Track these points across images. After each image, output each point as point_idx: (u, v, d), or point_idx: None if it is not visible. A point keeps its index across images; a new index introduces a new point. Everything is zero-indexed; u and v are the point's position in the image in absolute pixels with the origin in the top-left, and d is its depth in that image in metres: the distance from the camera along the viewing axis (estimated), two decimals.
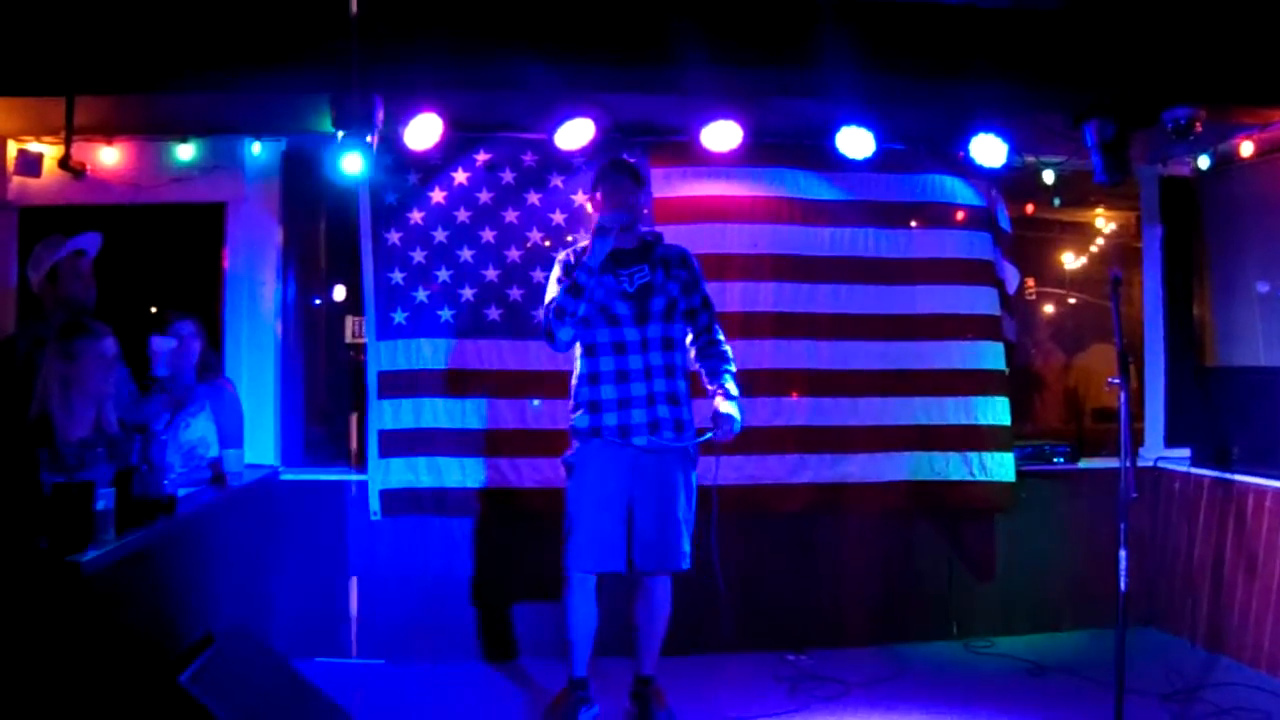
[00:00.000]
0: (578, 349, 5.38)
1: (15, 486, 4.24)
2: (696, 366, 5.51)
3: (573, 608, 5.31)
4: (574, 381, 5.43)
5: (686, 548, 5.33)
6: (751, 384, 6.51)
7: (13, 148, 6.44)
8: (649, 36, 5.48)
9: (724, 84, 5.90)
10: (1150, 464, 7.17)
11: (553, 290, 5.32)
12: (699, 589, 5.46)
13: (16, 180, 6.47)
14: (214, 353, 6.08)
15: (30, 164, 6.36)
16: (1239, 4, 5.75)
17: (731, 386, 5.36)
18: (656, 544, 5.30)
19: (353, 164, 5.88)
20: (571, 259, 5.37)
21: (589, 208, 6.32)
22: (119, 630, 4.06)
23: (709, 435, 5.29)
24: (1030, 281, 7.75)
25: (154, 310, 6.73)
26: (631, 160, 5.99)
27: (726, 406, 5.28)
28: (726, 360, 5.46)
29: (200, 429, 5.72)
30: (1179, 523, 6.99)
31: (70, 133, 6.20)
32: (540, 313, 5.55)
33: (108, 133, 6.56)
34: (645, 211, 6.40)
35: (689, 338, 5.52)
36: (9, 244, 6.58)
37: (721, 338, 5.53)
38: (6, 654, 3.61)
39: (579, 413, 5.35)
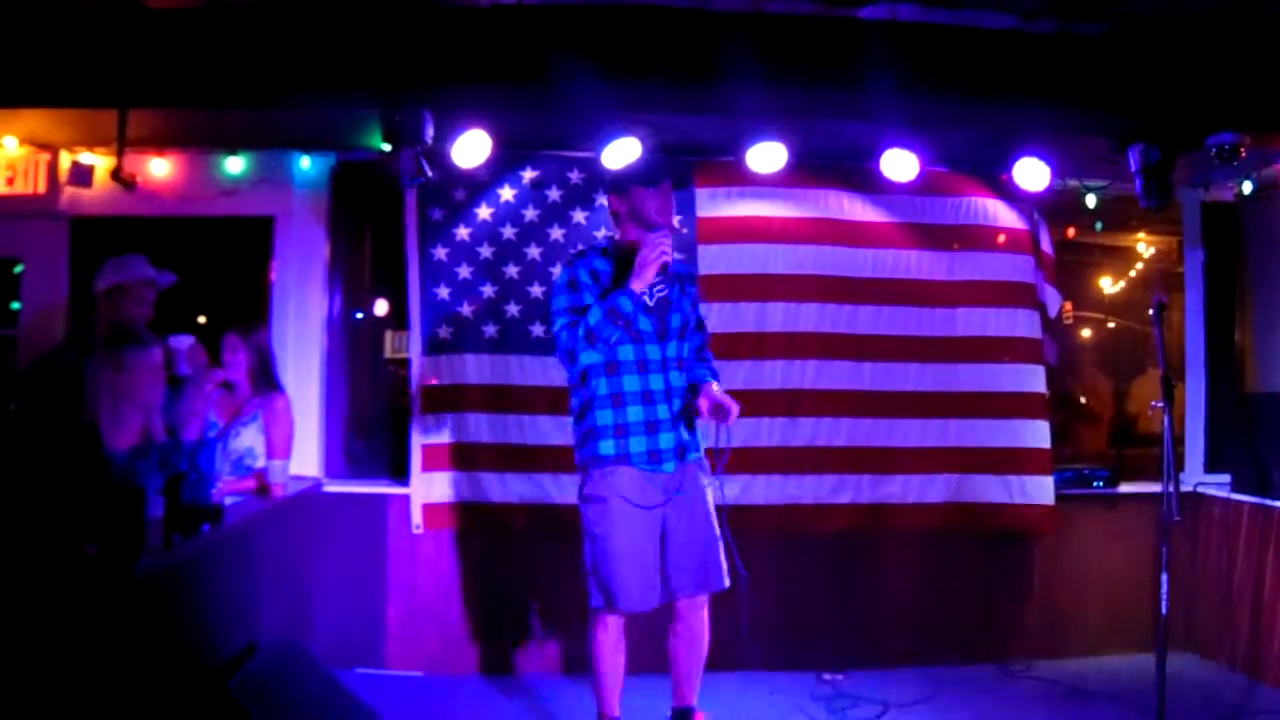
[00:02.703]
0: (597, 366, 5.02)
1: (66, 493, 4.30)
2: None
3: (603, 650, 5.07)
4: (584, 403, 5.05)
5: (725, 564, 5.08)
6: (793, 404, 6.61)
7: (65, 159, 6.54)
8: (696, 57, 5.49)
9: (770, 105, 5.93)
10: (1190, 489, 7.11)
11: (562, 304, 4.96)
12: (736, 606, 5.39)
13: (69, 191, 6.57)
14: (268, 364, 6.07)
15: (82, 175, 6.45)
16: None
17: (715, 377, 5.16)
18: (698, 567, 5.03)
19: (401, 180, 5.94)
20: (584, 275, 5.00)
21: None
22: (167, 636, 4.09)
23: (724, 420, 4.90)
24: (1068, 305, 7.73)
25: (201, 320, 6.82)
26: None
27: (717, 387, 5.01)
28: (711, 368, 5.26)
29: (249, 439, 5.78)
30: (1219, 549, 6.95)
31: (122, 144, 6.30)
32: (561, 332, 4.93)
33: (159, 145, 6.64)
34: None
35: None
36: (60, 253, 6.65)
37: (710, 357, 5.36)
38: (57, 659, 3.65)
39: (603, 440, 4.96)
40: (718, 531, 5.10)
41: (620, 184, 5.18)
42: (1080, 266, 9.01)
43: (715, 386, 5.04)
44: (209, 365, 5.62)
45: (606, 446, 4.97)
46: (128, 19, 5.46)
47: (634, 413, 4.97)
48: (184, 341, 5.40)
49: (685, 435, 5.07)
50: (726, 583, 5.11)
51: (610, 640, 5.06)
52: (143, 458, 4.68)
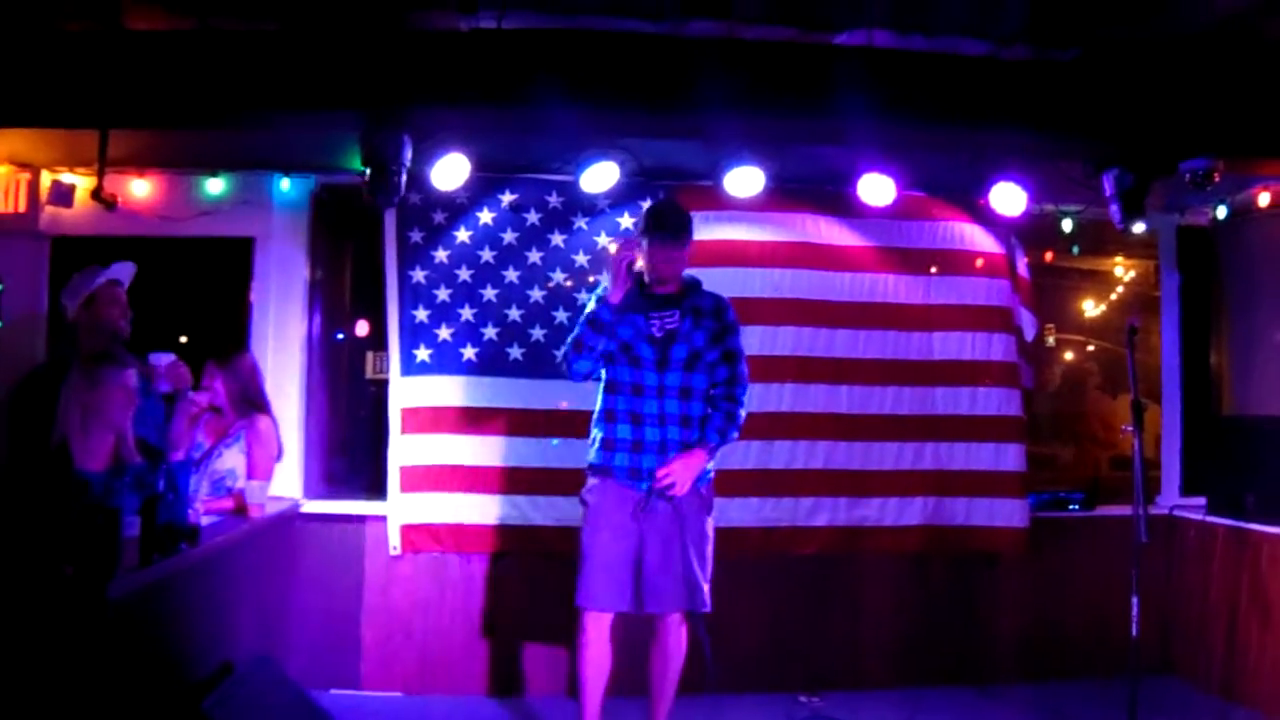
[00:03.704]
0: (601, 383, 5.36)
1: (41, 512, 4.31)
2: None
3: (586, 649, 5.24)
4: (593, 414, 5.41)
5: (704, 589, 5.21)
6: (770, 427, 6.62)
7: (46, 178, 6.53)
8: (673, 82, 5.54)
9: (746, 130, 5.98)
10: (1166, 512, 7.15)
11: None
12: (712, 628, 5.41)
13: (49, 210, 6.55)
14: (248, 389, 6.03)
15: (63, 195, 6.46)
16: (1256, 56, 5.80)
17: (711, 439, 5.22)
18: (663, 586, 5.18)
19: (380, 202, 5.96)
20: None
21: (612, 247, 6.51)
22: (142, 657, 4.10)
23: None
24: (1049, 327, 7.76)
25: (182, 340, 6.83)
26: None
27: (681, 459, 5.15)
28: (723, 416, 5.27)
29: (231, 460, 5.78)
30: (1194, 571, 6.97)
31: (103, 165, 6.30)
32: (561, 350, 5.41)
33: (140, 165, 6.64)
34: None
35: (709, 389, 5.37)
36: (41, 273, 6.66)
37: (738, 395, 5.34)
38: (33, 680, 3.65)
39: (594, 448, 5.34)
40: (695, 557, 5.21)
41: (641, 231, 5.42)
42: (1060, 290, 9.05)
43: (685, 459, 5.17)
44: (193, 385, 5.61)
45: (596, 455, 5.35)
46: (109, 40, 5.49)
47: (622, 430, 5.28)
48: (163, 359, 5.39)
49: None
50: (705, 607, 5.23)
51: (590, 643, 5.25)
52: (118, 477, 4.68)
